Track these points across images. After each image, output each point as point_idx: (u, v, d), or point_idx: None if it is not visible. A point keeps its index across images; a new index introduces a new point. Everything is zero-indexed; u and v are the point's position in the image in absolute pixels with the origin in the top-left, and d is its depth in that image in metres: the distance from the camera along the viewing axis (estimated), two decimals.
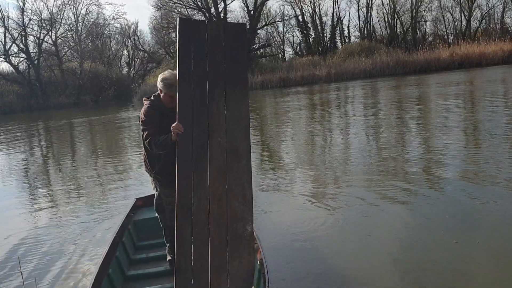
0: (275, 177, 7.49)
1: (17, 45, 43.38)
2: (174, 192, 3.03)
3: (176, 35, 46.05)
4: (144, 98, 3.57)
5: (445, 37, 47.48)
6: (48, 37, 44.73)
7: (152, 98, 3.49)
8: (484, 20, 46.63)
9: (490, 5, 45.70)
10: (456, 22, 47.12)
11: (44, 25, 44.18)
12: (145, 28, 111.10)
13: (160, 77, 3.38)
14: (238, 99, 3.11)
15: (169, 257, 3.72)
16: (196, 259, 2.92)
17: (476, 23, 46.36)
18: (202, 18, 45.15)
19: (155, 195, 3.71)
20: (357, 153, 8.73)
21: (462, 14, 45.76)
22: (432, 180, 6.36)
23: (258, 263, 3.36)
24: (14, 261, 4.78)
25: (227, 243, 2.95)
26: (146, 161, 3.58)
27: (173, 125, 3.07)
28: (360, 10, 48.62)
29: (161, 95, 3.39)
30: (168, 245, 3.73)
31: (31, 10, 49.42)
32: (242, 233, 2.98)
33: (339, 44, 48.65)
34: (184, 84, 3.13)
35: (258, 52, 46.80)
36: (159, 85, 3.37)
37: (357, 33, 49.85)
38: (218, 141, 3.04)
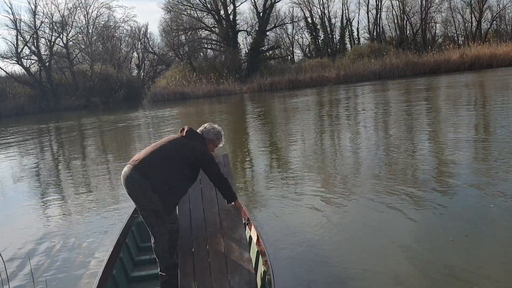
0: (283, 180, 7.50)
1: (29, 48, 43.85)
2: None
3: (185, 38, 46.13)
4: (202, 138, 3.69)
5: (455, 38, 47.19)
6: (59, 39, 45.15)
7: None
8: (495, 21, 46.32)
9: (501, 6, 45.39)
10: (467, 24, 46.88)
11: (55, 27, 44.60)
12: (155, 31, 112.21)
13: (218, 131, 3.76)
14: (212, 197, 3.97)
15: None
16: (198, 278, 3.09)
17: (487, 24, 46.05)
18: (212, 20, 45.43)
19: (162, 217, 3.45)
20: (366, 156, 8.70)
21: (473, 15, 45.45)
22: (443, 183, 6.30)
23: (264, 265, 3.39)
24: (25, 260, 4.88)
25: (227, 266, 3.13)
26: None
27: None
28: (369, 12, 48.57)
29: (209, 144, 3.72)
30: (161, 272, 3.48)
31: (43, 13, 49.62)
32: (240, 258, 3.18)
33: (348, 46, 48.60)
34: None
35: (267, 54, 46.88)
36: (215, 136, 3.74)
37: (367, 35, 49.81)
38: (212, 211, 3.77)
